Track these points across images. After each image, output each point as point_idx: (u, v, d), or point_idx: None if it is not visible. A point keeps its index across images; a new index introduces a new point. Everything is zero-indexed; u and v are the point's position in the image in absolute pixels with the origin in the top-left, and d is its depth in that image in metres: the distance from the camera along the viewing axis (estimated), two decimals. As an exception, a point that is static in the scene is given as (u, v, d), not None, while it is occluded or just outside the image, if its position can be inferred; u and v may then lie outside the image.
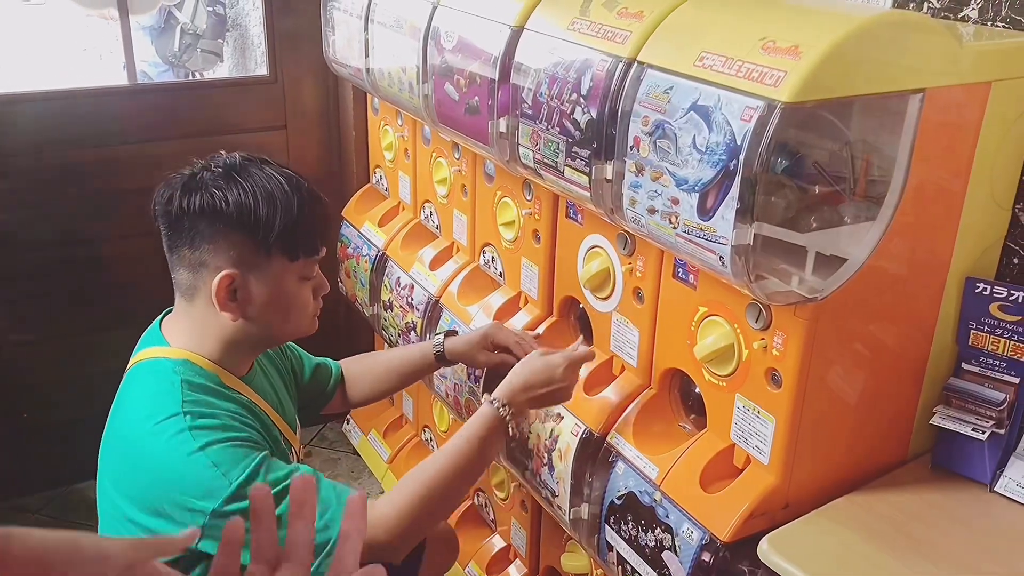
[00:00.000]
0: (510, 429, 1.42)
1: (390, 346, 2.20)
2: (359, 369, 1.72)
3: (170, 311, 1.39)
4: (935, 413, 1.30)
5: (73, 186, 2.24)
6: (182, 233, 1.27)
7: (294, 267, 1.30)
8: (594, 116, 1.28)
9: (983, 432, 1.25)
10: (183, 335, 1.31)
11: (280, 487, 1.19)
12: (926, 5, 1.34)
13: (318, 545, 1.15)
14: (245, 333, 1.31)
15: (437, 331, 1.86)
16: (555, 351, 1.48)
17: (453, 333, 1.74)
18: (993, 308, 1.27)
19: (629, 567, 1.39)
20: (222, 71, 4.41)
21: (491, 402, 1.42)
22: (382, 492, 2.45)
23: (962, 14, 1.30)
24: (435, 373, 1.92)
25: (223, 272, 1.25)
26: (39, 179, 2.21)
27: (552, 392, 1.44)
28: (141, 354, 1.33)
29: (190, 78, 4.37)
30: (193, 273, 1.28)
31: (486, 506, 2.09)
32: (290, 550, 0.71)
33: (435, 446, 2.33)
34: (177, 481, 1.19)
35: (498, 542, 2.06)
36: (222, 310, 1.27)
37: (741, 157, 1.05)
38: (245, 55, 4.56)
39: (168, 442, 1.19)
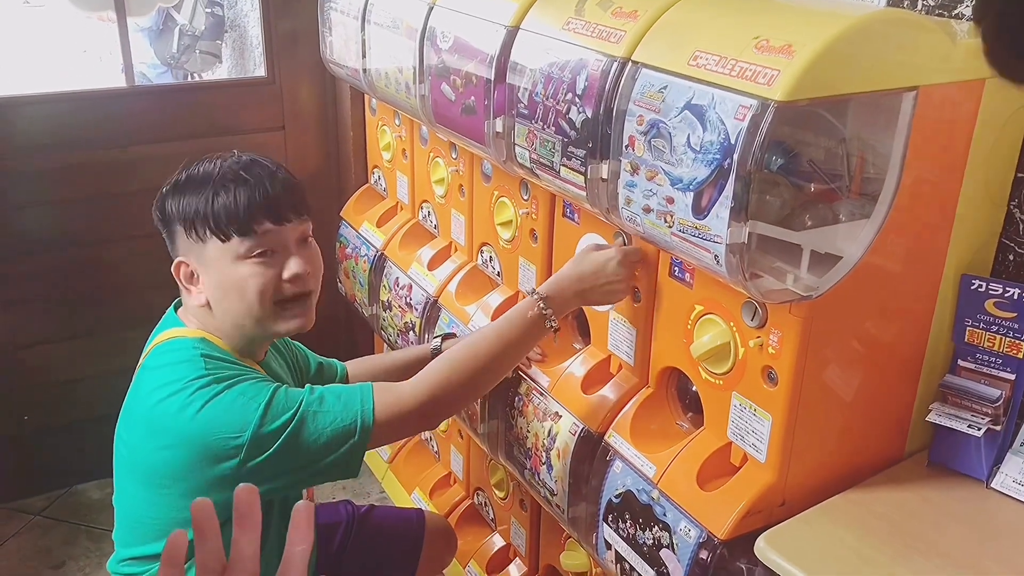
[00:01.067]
0: (549, 323, 1.41)
1: (389, 346, 2.20)
2: (359, 372, 1.73)
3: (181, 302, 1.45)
4: (931, 410, 1.30)
5: (74, 188, 2.24)
6: (171, 238, 1.40)
7: (230, 247, 1.33)
8: (589, 115, 1.28)
9: (979, 429, 1.25)
10: (195, 320, 1.39)
11: (293, 411, 1.28)
12: (920, 3, 1.35)
13: (345, 427, 1.29)
14: (227, 316, 1.36)
15: (435, 333, 1.86)
16: (608, 245, 1.46)
17: (451, 336, 1.75)
18: (989, 305, 1.28)
19: (627, 565, 1.39)
20: (220, 72, 4.42)
21: (532, 294, 1.43)
22: (382, 492, 2.46)
23: (956, 11, 1.30)
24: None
25: (175, 260, 1.37)
26: (40, 181, 2.22)
27: (604, 288, 1.42)
28: (159, 337, 1.38)
29: (188, 79, 4.37)
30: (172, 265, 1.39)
31: (486, 505, 2.10)
32: (235, 563, 0.69)
33: (435, 445, 2.33)
34: (208, 428, 1.24)
35: (498, 541, 2.06)
36: (190, 295, 1.37)
37: (735, 156, 1.05)
38: (244, 56, 4.57)
39: (191, 396, 1.25)
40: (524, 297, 1.76)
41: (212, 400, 1.25)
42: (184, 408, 1.25)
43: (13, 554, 2.26)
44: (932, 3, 1.33)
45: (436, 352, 1.66)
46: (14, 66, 5.03)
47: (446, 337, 1.72)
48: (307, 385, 1.34)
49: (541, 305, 1.41)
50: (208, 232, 1.33)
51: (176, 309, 1.43)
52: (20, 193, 2.20)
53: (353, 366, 1.74)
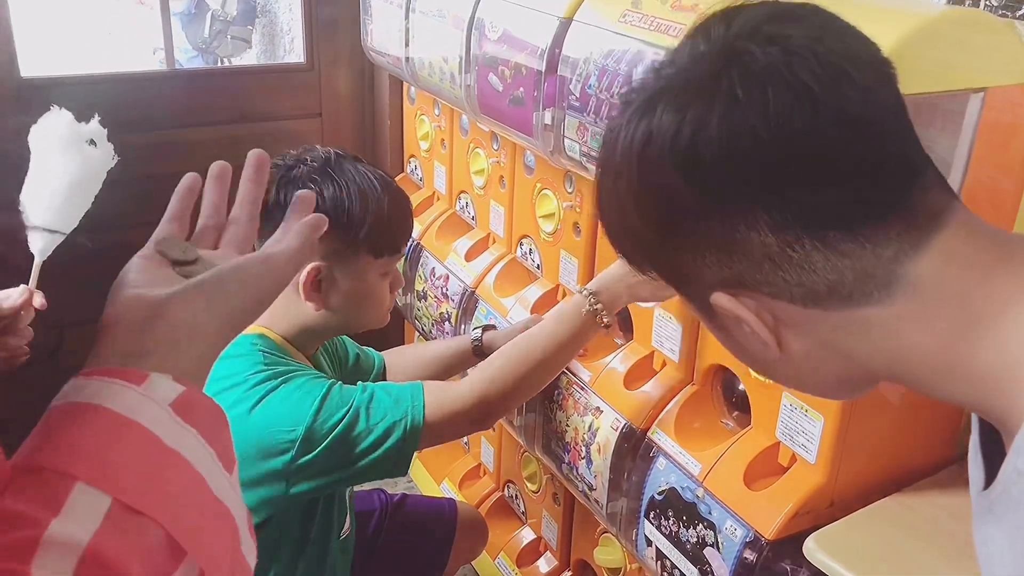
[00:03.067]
0: (601, 319, 1.40)
1: (423, 336, 2.20)
2: (397, 363, 1.73)
3: None
4: (983, 415, 1.28)
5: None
6: (274, 225, 1.29)
7: (378, 264, 1.36)
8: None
9: (1032, 435, 1.24)
10: (264, 319, 1.35)
11: (346, 409, 1.27)
12: (983, 3, 1.33)
13: (396, 426, 1.28)
14: (323, 321, 1.36)
15: (474, 325, 1.86)
16: None
17: (491, 327, 1.74)
18: (1045, 310, 1.26)
19: (669, 563, 1.39)
20: (249, 58, 4.43)
21: (581, 292, 1.43)
22: (410, 482, 2.46)
23: (1020, 12, 1.29)
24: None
25: (312, 264, 1.31)
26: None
27: (652, 282, 1.42)
28: None
29: (219, 64, 4.39)
30: None
31: (516, 498, 2.10)
32: (232, 221, 0.71)
33: (465, 437, 2.33)
34: (263, 422, 1.24)
35: (528, 534, 2.06)
36: (306, 299, 1.33)
37: (801, 154, 1.04)
38: (274, 42, 4.58)
39: (248, 391, 1.25)
40: (565, 291, 1.76)
41: (269, 395, 1.25)
42: (241, 402, 1.25)
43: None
44: (995, 3, 1.31)
45: (476, 344, 1.67)
46: (43, 47, 5.06)
47: (486, 328, 1.72)
48: (359, 383, 1.34)
49: (591, 301, 1.40)
50: (376, 247, 1.34)
51: None
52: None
53: (391, 356, 1.74)
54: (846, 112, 0.55)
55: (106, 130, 1.12)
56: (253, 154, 0.73)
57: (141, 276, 0.63)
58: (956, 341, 0.58)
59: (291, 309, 1.35)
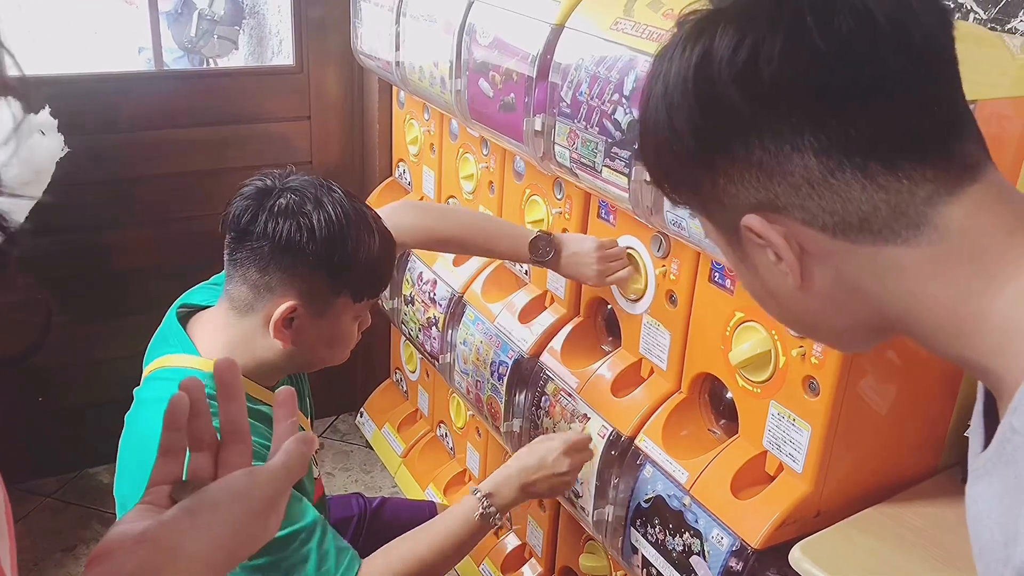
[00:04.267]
0: (493, 521, 1.36)
1: (409, 340, 2.20)
2: (456, 224, 1.63)
3: (185, 305, 1.36)
4: (969, 425, 1.29)
5: (91, 172, 2.22)
6: (256, 255, 1.23)
7: (356, 307, 1.29)
8: (636, 116, 1.28)
9: (1017, 446, 1.24)
10: (219, 346, 1.27)
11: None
12: (972, 16, 1.34)
13: None
14: (288, 357, 1.28)
15: (462, 331, 1.81)
16: (553, 435, 1.44)
17: (549, 235, 1.59)
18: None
19: (655, 570, 1.39)
20: (237, 59, 4.41)
21: (474, 492, 1.38)
22: (395, 487, 2.45)
23: (1009, 26, 1.30)
24: (457, 369, 1.92)
25: (288, 303, 1.23)
26: (59, 164, 2.20)
27: (549, 480, 1.38)
28: (167, 359, 1.28)
29: (205, 65, 4.36)
30: (255, 293, 1.24)
31: (502, 504, 2.09)
32: (228, 433, 0.69)
33: (450, 442, 2.33)
34: None
35: (513, 540, 2.05)
36: (275, 336, 1.24)
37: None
38: (262, 44, 4.55)
39: None
40: (552, 297, 1.76)
41: None
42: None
43: (24, 535, 2.26)
44: (985, 16, 1.32)
45: (542, 258, 1.55)
46: (28, 46, 5.01)
47: (549, 240, 1.56)
48: (311, 514, 1.24)
49: (484, 503, 1.36)
50: (358, 291, 1.27)
51: (182, 319, 1.32)
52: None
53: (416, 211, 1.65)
54: (907, 46, 0.57)
55: (56, 121, 1.10)
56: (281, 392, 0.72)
57: (134, 514, 0.63)
58: (969, 296, 0.59)
59: (257, 343, 1.26)
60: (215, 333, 1.28)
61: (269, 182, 1.25)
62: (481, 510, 1.35)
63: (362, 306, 1.30)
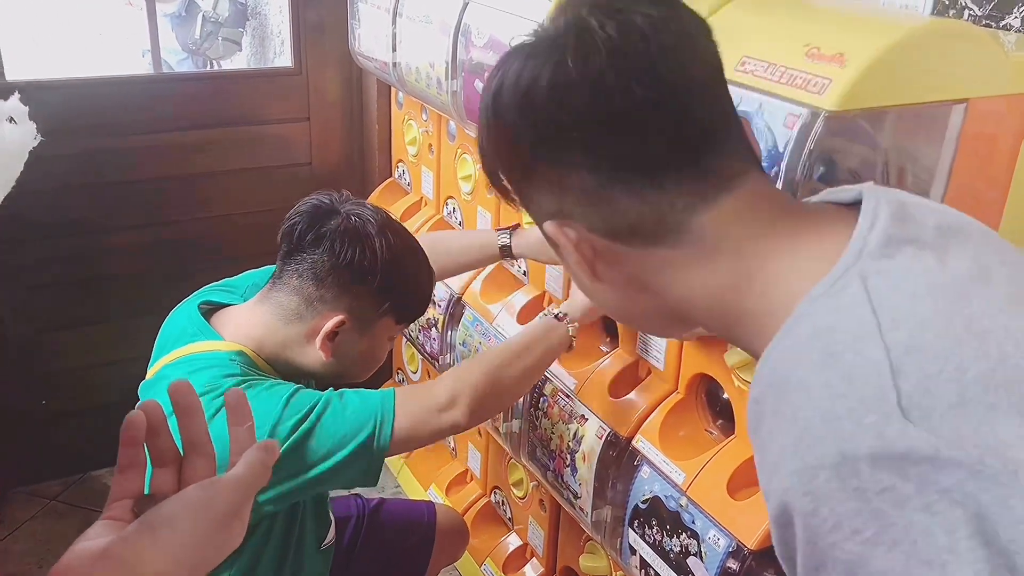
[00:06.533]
0: (570, 331, 1.45)
1: (409, 341, 2.20)
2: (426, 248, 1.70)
3: (205, 300, 1.39)
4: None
5: (92, 175, 2.23)
6: (315, 270, 1.30)
7: (395, 328, 1.39)
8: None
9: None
10: (247, 338, 1.32)
11: (309, 407, 1.25)
12: (967, 13, 1.33)
13: (363, 430, 1.25)
14: (321, 368, 1.35)
15: (500, 228, 1.74)
16: None
17: (517, 226, 1.66)
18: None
19: (653, 571, 1.38)
20: (239, 61, 4.42)
21: (547, 314, 1.46)
22: (397, 487, 2.46)
23: (1004, 22, 1.29)
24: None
25: (338, 316, 1.30)
26: (60, 166, 2.20)
27: None
28: (190, 348, 1.31)
29: (209, 67, 4.37)
30: (306, 305, 1.31)
31: (503, 504, 2.09)
32: (190, 448, 0.70)
33: (452, 441, 2.33)
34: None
35: (515, 541, 2.06)
36: (320, 348, 1.32)
37: (783, 164, 1.04)
38: (264, 45, 4.56)
39: (214, 400, 1.17)
40: (551, 297, 1.75)
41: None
42: (208, 406, 1.22)
43: (30, 537, 2.27)
44: (980, 13, 1.32)
45: (505, 246, 1.60)
46: (32, 48, 5.03)
47: (513, 228, 1.64)
48: (329, 388, 1.31)
49: (569, 328, 1.44)
50: (401, 314, 1.37)
51: (205, 313, 1.37)
52: (39, 178, 2.18)
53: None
54: (652, 78, 0.64)
55: (27, 108, 1.08)
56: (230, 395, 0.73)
57: (95, 530, 0.63)
58: (729, 289, 0.69)
59: (294, 347, 1.33)
60: (245, 328, 1.34)
61: (328, 201, 1.34)
62: (561, 319, 1.44)
63: (400, 327, 1.40)
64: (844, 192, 0.72)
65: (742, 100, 1.10)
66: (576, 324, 1.45)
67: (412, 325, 2.11)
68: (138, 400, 1.34)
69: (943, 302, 0.60)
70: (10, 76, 2.05)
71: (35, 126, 1.11)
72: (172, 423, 0.70)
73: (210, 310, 1.39)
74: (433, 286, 1.44)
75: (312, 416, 1.24)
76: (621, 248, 0.70)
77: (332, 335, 1.31)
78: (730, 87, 0.71)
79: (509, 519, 2.08)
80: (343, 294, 1.31)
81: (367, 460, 1.27)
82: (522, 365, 1.41)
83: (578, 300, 1.47)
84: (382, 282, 1.31)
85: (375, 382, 2.65)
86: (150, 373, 1.37)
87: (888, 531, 0.53)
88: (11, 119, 1.15)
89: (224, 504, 0.64)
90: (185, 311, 1.40)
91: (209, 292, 1.45)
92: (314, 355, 1.33)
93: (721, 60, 0.70)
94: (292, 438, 1.22)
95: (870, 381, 0.57)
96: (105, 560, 0.59)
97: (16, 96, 1.05)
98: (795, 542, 0.59)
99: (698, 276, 0.69)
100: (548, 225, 0.72)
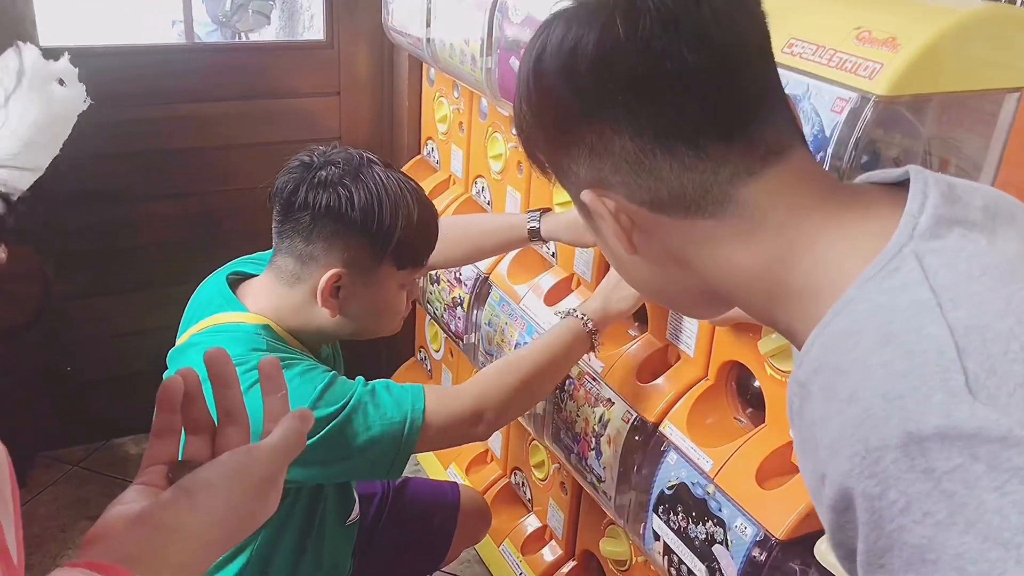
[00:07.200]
0: (594, 342, 1.45)
1: (434, 320, 2.19)
2: (452, 230, 1.63)
3: (234, 272, 1.40)
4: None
5: (124, 143, 2.23)
6: (300, 226, 1.28)
7: (400, 275, 1.33)
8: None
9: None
10: (267, 309, 1.32)
11: (345, 400, 1.25)
12: (1020, 0, 1.30)
13: (394, 425, 1.26)
14: (336, 326, 1.34)
15: (531, 210, 1.72)
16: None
17: (548, 210, 1.63)
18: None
19: (676, 558, 1.37)
20: (268, 34, 4.41)
21: (571, 314, 1.45)
22: (417, 466, 2.46)
23: (1058, 11, 1.26)
24: (481, 350, 1.91)
25: (333, 271, 1.28)
26: (91, 136, 2.20)
27: (620, 291, 1.45)
28: (216, 318, 1.32)
29: (237, 39, 4.37)
30: (301, 264, 1.30)
31: (523, 485, 2.09)
32: (225, 416, 0.69)
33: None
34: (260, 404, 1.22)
35: (534, 522, 2.05)
36: (323, 305, 1.30)
37: (829, 149, 1.02)
38: (293, 19, 4.55)
39: (249, 371, 1.17)
40: (579, 279, 1.74)
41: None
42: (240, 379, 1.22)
43: (51, 502, 2.29)
44: (1033, 1, 1.28)
45: (534, 228, 1.58)
46: (64, 16, 5.03)
47: (544, 211, 1.60)
48: (359, 377, 1.31)
49: (588, 326, 1.44)
50: (401, 258, 1.31)
51: (233, 284, 1.38)
52: (71, 147, 2.19)
53: (445, 225, 1.60)
54: (704, 42, 0.63)
55: (77, 70, 1.08)
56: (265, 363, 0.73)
57: (130, 494, 0.63)
58: (772, 265, 0.67)
59: (304, 310, 1.32)
60: (263, 299, 1.34)
61: (312, 157, 1.30)
62: (585, 324, 1.44)
63: (406, 274, 1.34)
64: (887, 173, 0.70)
65: (788, 83, 1.07)
66: (599, 332, 1.46)
67: (437, 304, 2.11)
68: (166, 368, 1.34)
69: (997, 282, 0.59)
70: (44, 42, 2.05)
71: (84, 88, 1.10)
72: (207, 390, 0.69)
73: (237, 281, 1.40)
74: (432, 226, 1.37)
75: (343, 414, 1.24)
76: (661, 218, 0.68)
77: (334, 291, 1.29)
78: (778, 69, 0.70)
79: (529, 501, 2.08)
80: (332, 247, 1.28)
81: (392, 458, 1.29)
82: (547, 380, 1.45)
83: (602, 305, 1.47)
84: (366, 225, 1.26)
85: (396, 358, 2.65)
86: (179, 341, 1.37)
87: (961, 512, 0.51)
88: (60, 81, 1.14)
89: (260, 471, 0.64)
90: (214, 282, 1.41)
91: (240, 264, 1.46)
92: (324, 314, 1.31)
93: (769, 29, 0.68)
94: (321, 433, 1.22)
95: (933, 360, 0.55)
96: (143, 523, 0.59)
97: (66, 57, 1.04)
98: (855, 528, 0.57)
99: (740, 250, 0.67)
100: (586, 194, 0.70)
